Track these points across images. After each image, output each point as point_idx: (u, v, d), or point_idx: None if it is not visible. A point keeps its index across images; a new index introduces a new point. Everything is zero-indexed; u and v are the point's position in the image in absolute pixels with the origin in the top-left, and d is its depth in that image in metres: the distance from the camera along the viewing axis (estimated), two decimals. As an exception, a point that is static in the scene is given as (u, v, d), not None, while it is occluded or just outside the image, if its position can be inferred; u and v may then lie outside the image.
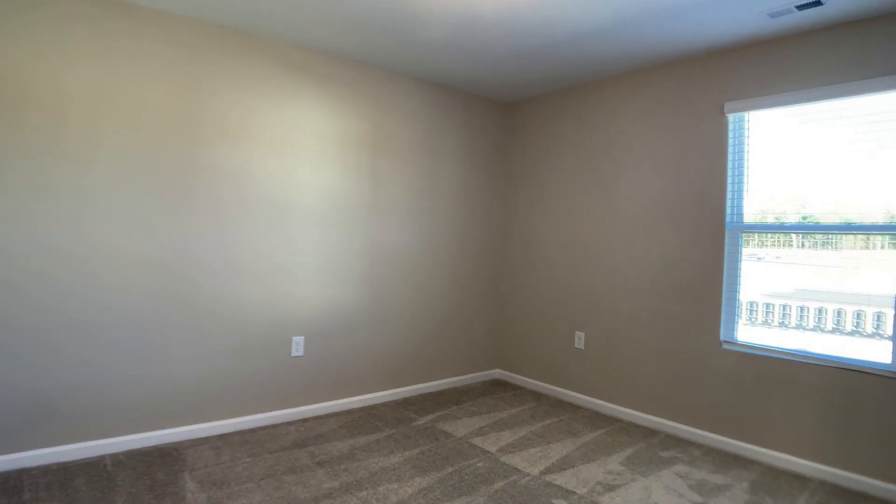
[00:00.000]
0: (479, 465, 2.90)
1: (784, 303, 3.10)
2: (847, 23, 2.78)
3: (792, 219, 3.04)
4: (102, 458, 2.79)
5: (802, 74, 2.93)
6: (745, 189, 3.20)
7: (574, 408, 3.94)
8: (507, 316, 4.69)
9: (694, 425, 3.35)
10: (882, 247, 2.77)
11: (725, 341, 3.24)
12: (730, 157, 3.24)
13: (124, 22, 2.83)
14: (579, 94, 4.11)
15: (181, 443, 3.04)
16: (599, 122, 3.96)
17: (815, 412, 2.86)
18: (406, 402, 3.95)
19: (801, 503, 2.57)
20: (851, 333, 2.85)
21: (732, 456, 3.10)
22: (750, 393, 3.11)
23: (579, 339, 4.05)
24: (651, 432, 3.47)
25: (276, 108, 3.37)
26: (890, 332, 2.71)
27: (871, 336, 2.78)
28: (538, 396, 4.21)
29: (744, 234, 3.20)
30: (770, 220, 3.12)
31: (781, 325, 3.09)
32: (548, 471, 2.84)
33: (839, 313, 2.90)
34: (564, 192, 4.20)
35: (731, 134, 3.24)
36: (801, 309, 3.04)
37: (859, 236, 2.82)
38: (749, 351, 3.12)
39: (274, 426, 3.37)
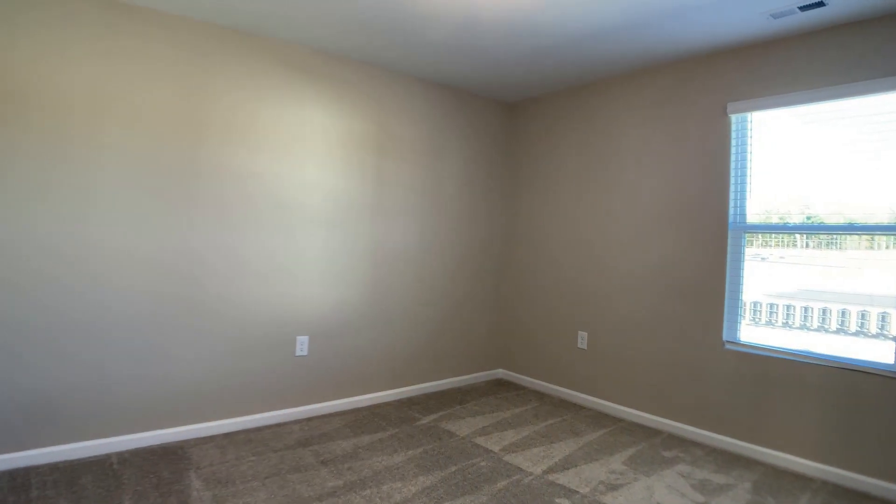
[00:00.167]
0: (483, 464, 2.91)
1: (788, 303, 3.10)
2: (850, 23, 2.78)
3: (796, 219, 3.04)
4: (109, 456, 2.82)
5: (805, 75, 2.94)
6: (747, 189, 3.21)
7: (577, 408, 3.95)
8: (511, 316, 4.70)
9: (696, 425, 3.35)
10: (887, 247, 2.77)
11: (728, 341, 3.24)
12: (733, 157, 3.24)
13: (129, 23, 2.86)
14: (582, 95, 4.12)
15: (186, 441, 3.06)
16: (602, 122, 3.97)
17: (818, 412, 2.86)
18: (410, 402, 3.97)
19: (803, 503, 2.57)
20: (856, 334, 2.84)
21: (735, 456, 3.11)
22: (752, 393, 3.11)
23: (582, 339, 4.05)
24: (653, 432, 3.48)
25: (281, 108, 3.39)
26: (894, 332, 2.72)
27: (876, 336, 2.78)
28: (541, 396, 4.22)
29: (747, 235, 3.21)
30: (773, 220, 3.12)
31: (785, 325, 3.09)
32: (551, 470, 2.85)
33: (843, 314, 2.90)
34: (568, 192, 4.21)
35: (733, 134, 3.24)
36: (806, 309, 3.04)
37: (864, 237, 2.82)
38: (751, 351, 3.13)
39: (278, 425, 3.39)
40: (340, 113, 3.65)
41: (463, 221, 4.44)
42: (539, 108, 4.48)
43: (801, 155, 3.01)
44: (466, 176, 4.44)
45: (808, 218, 3.00)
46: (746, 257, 3.22)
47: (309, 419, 3.52)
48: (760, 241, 3.19)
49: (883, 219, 2.73)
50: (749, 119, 3.20)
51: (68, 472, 2.62)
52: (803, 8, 2.65)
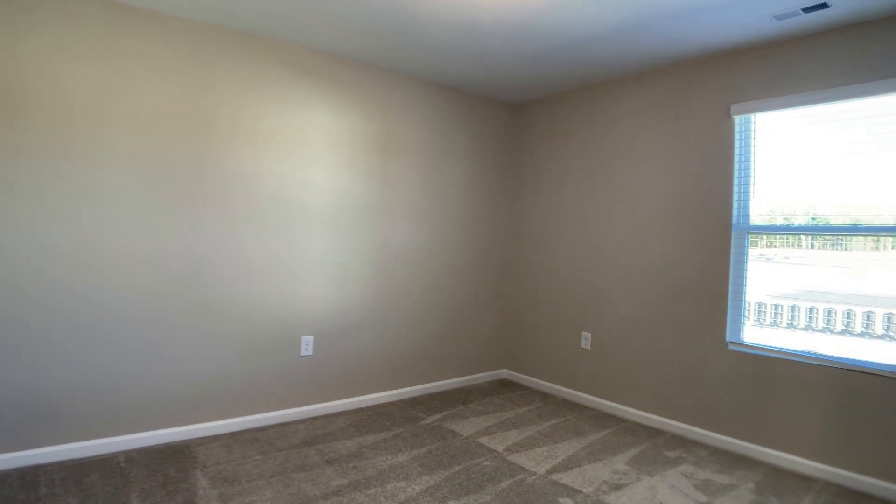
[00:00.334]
0: (486, 463, 2.93)
1: (793, 304, 3.09)
2: (854, 24, 2.79)
3: (800, 220, 3.04)
4: (116, 454, 2.85)
5: (809, 76, 2.94)
6: (751, 190, 3.21)
7: (580, 408, 3.96)
8: (515, 316, 4.71)
9: (699, 426, 3.36)
10: (892, 247, 2.77)
11: (731, 342, 3.25)
12: (736, 158, 3.25)
13: (133, 25, 2.88)
14: (586, 96, 4.13)
15: (192, 440, 3.09)
16: (606, 123, 3.98)
17: (822, 413, 2.87)
18: (414, 402, 3.99)
19: (806, 503, 2.58)
20: (861, 335, 2.84)
21: (738, 456, 3.12)
22: (756, 393, 3.12)
23: (586, 339, 4.07)
24: (657, 432, 3.48)
25: (286, 109, 3.41)
26: (897, 333, 2.72)
27: (881, 337, 2.77)
28: (545, 396, 4.23)
29: (750, 236, 3.21)
30: (778, 221, 3.13)
31: (790, 325, 3.09)
32: (554, 470, 2.87)
33: (849, 314, 2.90)
34: (572, 192, 4.22)
35: (737, 136, 3.25)
36: (811, 310, 3.03)
37: (869, 237, 2.82)
38: (755, 352, 3.13)
39: (283, 424, 3.41)
40: (345, 114, 3.68)
41: (467, 222, 4.45)
42: (543, 109, 4.49)
43: (806, 156, 3.01)
44: (470, 177, 4.46)
45: (814, 219, 3.00)
46: (751, 258, 3.22)
47: (314, 419, 3.54)
48: (765, 242, 3.19)
49: (889, 220, 2.73)
50: (752, 120, 3.20)
51: (76, 470, 2.65)
52: (807, 9, 2.66)
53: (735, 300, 3.26)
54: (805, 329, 3.04)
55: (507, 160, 4.74)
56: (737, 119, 3.24)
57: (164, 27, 2.97)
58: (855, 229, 2.84)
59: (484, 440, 3.26)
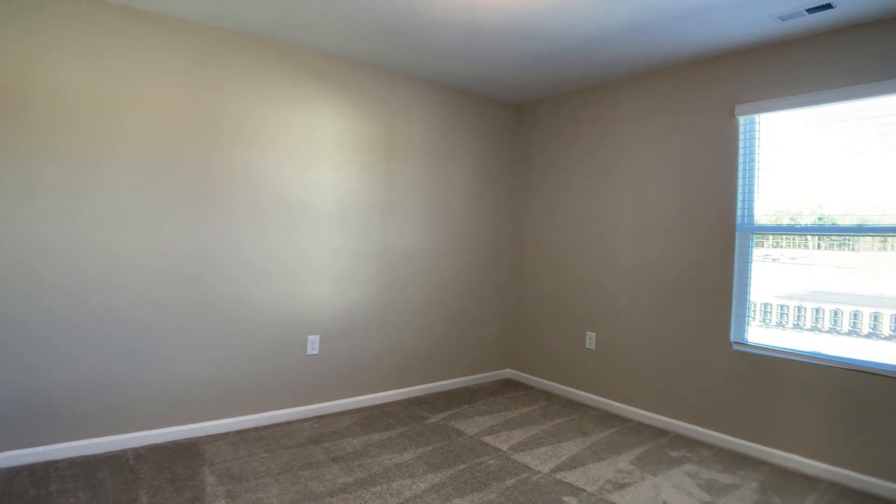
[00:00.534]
0: (491, 462, 2.95)
1: (799, 304, 3.09)
2: (858, 25, 2.79)
3: (806, 220, 3.05)
4: (125, 451, 2.89)
5: (813, 77, 2.95)
6: (755, 191, 3.22)
7: (585, 407, 3.97)
8: (519, 316, 4.73)
9: (703, 425, 3.37)
10: (900, 248, 2.77)
11: (736, 342, 3.26)
12: (740, 159, 3.26)
13: (143, 29, 2.92)
14: (590, 96, 4.15)
15: (200, 438, 3.12)
16: (610, 123, 3.99)
17: (826, 413, 2.87)
18: (419, 401, 4.01)
19: (809, 503, 2.59)
20: (868, 336, 2.83)
21: (742, 456, 3.12)
22: (760, 394, 3.12)
23: (590, 339, 4.08)
24: (661, 432, 3.49)
25: (291, 111, 3.44)
26: (903, 333, 2.72)
27: (889, 339, 2.77)
28: (549, 396, 4.24)
29: (755, 236, 3.22)
30: (783, 221, 3.13)
31: (797, 326, 3.09)
32: (558, 469, 2.88)
33: (856, 315, 2.89)
34: (576, 192, 4.24)
35: (741, 136, 3.25)
36: (817, 311, 3.03)
37: (876, 238, 2.82)
38: (759, 352, 3.14)
39: (290, 423, 3.44)
40: (350, 114, 3.71)
41: (472, 222, 4.47)
42: (547, 110, 4.51)
43: (811, 156, 3.01)
44: (475, 177, 4.48)
45: (821, 219, 3.00)
46: (757, 258, 3.23)
47: (320, 417, 3.57)
48: (771, 242, 3.19)
49: (895, 220, 2.72)
50: (757, 121, 3.21)
51: (86, 466, 2.68)
52: (811, 10, 2.66)
53: (739, 300, 3.26)
54: (811, 330, 3.04)
55: (511, 160, 4.76)
56: (741, 120, 3.25)
57: (172, 29, 3.00)
58: (860, 230, 2.84)
59: (489, 439, 3.28)
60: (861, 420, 2.75)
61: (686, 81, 3.53)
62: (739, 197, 3.26)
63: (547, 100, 4.51)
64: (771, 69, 3.12)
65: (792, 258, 3.13)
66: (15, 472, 2.57)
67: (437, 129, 4.20)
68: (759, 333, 3.22)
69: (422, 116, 4.10)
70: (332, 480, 2.65)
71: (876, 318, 2.82)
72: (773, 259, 3.19)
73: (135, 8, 2.89)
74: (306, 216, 3.52)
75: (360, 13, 2.90)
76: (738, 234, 3.26)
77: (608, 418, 3.74)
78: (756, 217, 3.22)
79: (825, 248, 3.02)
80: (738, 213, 3.26)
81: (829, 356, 2.90)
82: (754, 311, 3.24)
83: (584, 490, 2.64)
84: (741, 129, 3.26)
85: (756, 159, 3.22)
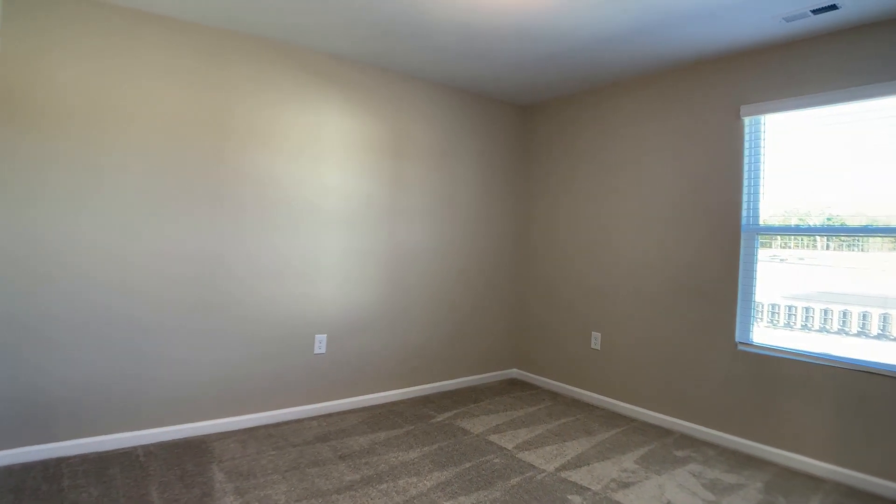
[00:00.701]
0: (496, 461, 2.97)
1: (807, 305, 3.08)
2: (863, 26, 2.79)
3: (813, 220, 3.04)
4: (135, 448, 2.93)
5: (819, 78, 2.95)
6: (760, 192, 3.22)
7: (590, 407, 3.99)
8: (525, 316, 4.75)
9: (709, 425, 3.38)
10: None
11: (741, 342, 3.26)
12: (746, 160, 3.26)
13: (153, 32, 2.97)
14: (596, 97, 4.16)
15: (208, 436, 3.16)
16: (616, 123, 4.01)
17: (832, 414, 2.88)
18: (425, 400, 4.04)
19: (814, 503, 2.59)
20: (878, 337, 2.83)
21: (747, 456, 3.13)
22: (765, 394, 3.13)
23: (595, 339, 4.09)
24: (666, 432, 3.50)
25: (300, 113, 3.48)
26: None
27: (897, 340, 2.77)
28: (554, 396, 4.26)
29: (762, 236, 3.22)
30: (791, 221, 3.13)
31: (804, 327, 3.09)
32: (563, 468, 2.90)
33: (864, 316, 2.88)
34: (581, 193, 4.25)
35: (747, 137, 3.26)
36: (826, 312, 3.02)
37: (886, 239, 2.81)
38: (764, 352, 3.14)
39: (297, 421, 3.48)
40: (357, 116, 3.74)
41: (478, 223, 4.50)
42: (553, 111, 4.52)
43: (818, 156, 3.01)
44: (482, 177, 4.50)
45: (829, 219, 2.99)
46: (764, 259, 3.22)
47: (327, 415, 3.61)
48: (780, 243, 3.19)
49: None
50: (762, 122, 3.21)
51: (97, 462, 2.73)
52: (816, 11, 2.67)
53: (744, 301, 3.27)
54: (820, 331, 3.03)
55: (517, 161, 4.78)
56: (746, 120, 3.26)
57: (181, 32, 3.05)
58: (866, 230, 2.84)
59: (494, 438, 3.30)
60: (867, 421, 2.75)
61: (691, 82, 3.54)
62: (745, 198, 3.27)
63: (553, 101, 4.53)
64: (776, 70, 3.12)
65: (800, 258, 3.13)
66: (28, 468, 2.61)
67: (443, 130, 4.22)
68: (768, 334, 3.21)
69: (428, 117, 4.13)
70: (339, 478, 2.68)
71: (885, 319, 2.81)
72: (782, 259, 3.18)
73: (141, 10, 2.93)
74: (314, 217, 3.56)
75: (369, 17, 2.93)
76: (743, 235, 3.27)
77: (613, 418, 3.76)
78: (761, 218, 3.22)
79: (834, 249, 3.01)
80: (744, 213, 3.27)
81: (834, 356, 2.90)
82: (762, 311, 3.24)
83: (589, 489, 2.66)
84: (746, 129, 3.26)
85: (761, 160, 3.22)
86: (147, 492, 2.45)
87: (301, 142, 3.49)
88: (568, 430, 3.49)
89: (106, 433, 2.91)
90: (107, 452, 2.86)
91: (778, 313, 3.20)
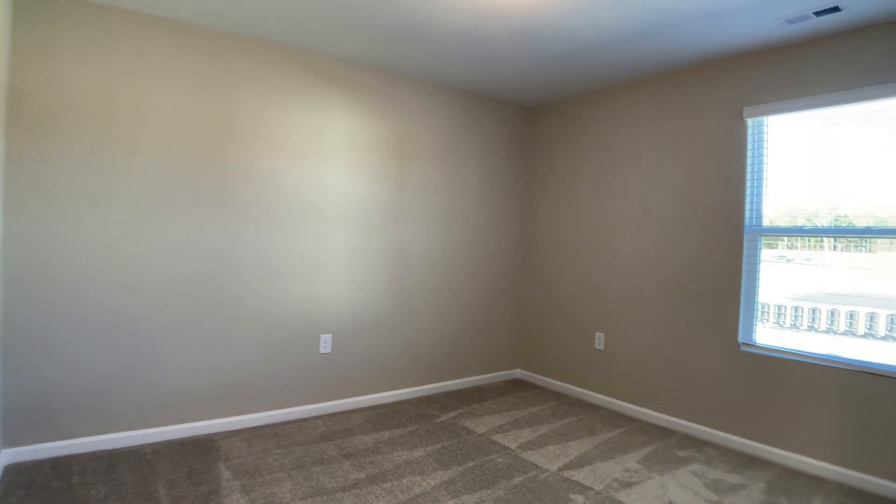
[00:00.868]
0: (500, 460, 2.99)
1: (814, 306, 3.08)
2: (866, 27, 2.80)
3: (820, 222, 3.04)
4: (143, 447, 2.97)
5: (822, 79, 2.96)
6: (763, 193, 3.23)
7: (593, 407, 4.00)
8: (529, 317, 4.77)
9: (711, 426, 3.39)
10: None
11: (744, 343, 3.27)
12: (749, 161, 3.27)
13: (162, 35, 3.01)
14: (599, 98, 4.18)
15: (215, 434, 3.20)
16: (619, 125, 4.02)
17: (835, 414, 2.88)
18: (429, 400, 4.06)
19: None
20: (885, 338, 2.81)
21: (749, 457, 3.14)
22: (768, 394, 3.14)
23: (599, 340, 4.11)
24: (669, 432, 3.52)
25: (305, 114, 3.51)
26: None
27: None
28: (558, 396, 4.28)
29: (767, 238, 3.23)
30: (797, 222, 3.13)
31: (811, 328, 3.08)
32: (566, 467, 2.92)
33: (872, 317, 2.86)
34: (585, 194, 4.27)
35: (750, 138, 3.27)
36: (832, 313, 3.01)
37: (895, 240, 2.80)
38: (767, 353, 3.15)
39: (302, 420, 3.51)
40: (363, 119, 3.77)
41: (482, 223, 4.52)
42: (557, 112, 4.54)
43: (822, 157, 3.02)
44: (485, 179, 4.53)
45: (836, 219, 2.98)
46: (771, 259, 3.23)
47: (332, 415, 3.64)
48: (786, 244, 3.19)
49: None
50: (765, 123, 3.22)
51: (106, 460, 2.77)
52: (818, 13, 2.68)
53: (747, 302, 3.28)
54: (826, 332, 3.02)
55: (521, 162, 4.80)
56: (749, 122, 3.27)
57: (187, 34, 3.09)
58: (869, 231, 2.84)
59: (497, 437, 3.33)
60: (870, 422, 2.76)
61: (694, 84, 3.55)
62: (747, 199, 3.28)
63: (556, 102, 4.55)
64: (779, 72, 3.13)
65: (807, 259, 3.12)
66: (38, 465, 2.66)
67: (448, 132, 4.25)
68: (774, 335, 3.21)
69: (433, 119, 4.15)
70: (343, 476, 2.71)
71: (893, 320, 2.80)
72: (788, 260, 3.18)
73: (150, 14, 2.97)
74: (320, 218, 3.59)
75: (373, 20, 2.96)
76: (745, 236, 3.28)
77: (617, 418, 3.77)
78: (764, 219, 3.23)
79: (842, 250, 3.00)
80: (747, 214, 3.28)
81: (837, 357, 2.91)
82: (769, 312, 3.24)
83: (591, 488, 2.68)
84: (749, 131, 3.27)
85: (764, 161, 3.23)
86: (155, 489, 2.49)
87: (307, 144, 3.52)
88: (571, 430, 3.51)
89: (114, 431, 2.95)
90: (115, 450, 2.90)
91: (784, 314, 3.19)
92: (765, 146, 3.23)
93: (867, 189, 2.86)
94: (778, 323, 3.21)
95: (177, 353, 3.11)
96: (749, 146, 3.27)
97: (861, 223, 2.89)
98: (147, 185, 2.99)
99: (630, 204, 3.93)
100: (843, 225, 2.97)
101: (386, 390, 3.99)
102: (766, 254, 3.25)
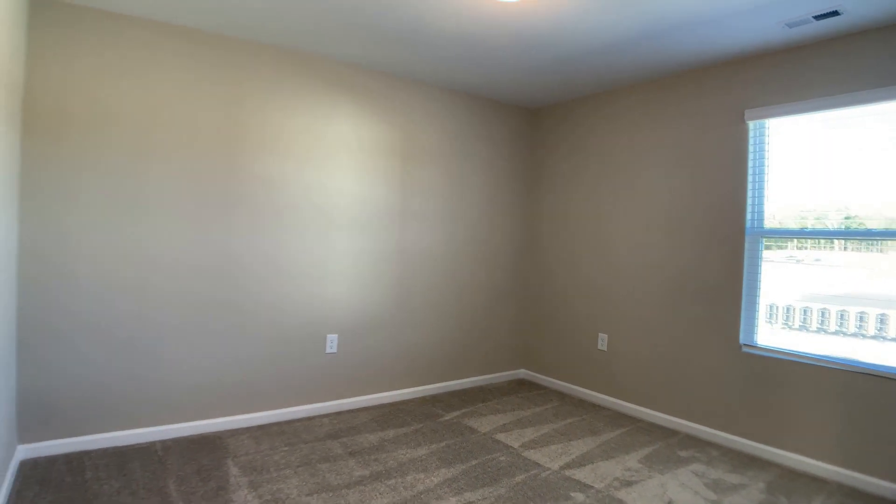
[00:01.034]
0: (502, 458, 3.03)
1: (823, 307, 3.08)
2: (865, 31, 2.82)
3: (829, 223, 3.06)
4: (153, 444, 3.04)
5: (822, 82, 2.98)
6: (765, 195, 3.26)
7: (596, 407, 4.04)
8: (533, 317, 4.80)
9: (713, 426, 3.41)
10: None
11: (745, 344, 3.30)
12: (750, 163, 3.30)
13: (174, 43, 3.07)
14: (603, 100, 4.21)
15: (223, 432, 3.26)
16: (622, 127, 4.05)
17: (835, 415, 2.90)
18: (433, 399, 4.11)
19: None
20: (894, 340, 2.81)
21: (750, 457, 3.16)
22: (769, 395, 3.16)
23: (602, 340, 4.14)
24: (670, 432, 3.55)
25: (311, 118, 3.57)
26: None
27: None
28: (561, 396, 4.31)
29: (768, 239, 3.25)
30: (805, 224, 3.15)
31: (820, 330, 3.08)
32: (568, 466, 2.96)
33: (882, 319, 2.86)
34: (588, 196, 4.30)
35: (751, 141, 3.29)
36: (842, 314, 3.01)
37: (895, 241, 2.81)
38: (768, 354, 3.17)
39: (309, 418, 3.57)
40: (368, 121, 3.83)
41: (486, 224, 4.56)
42: (560, 114, 4.58)
43: (823, 159, 3.04)
44: (489, 181, 4.57)
45: (848, 217, 2.97)
46: (779, 260, 3.24)
47: (338, 413, 3.70)
48: (795, 245, 3.19)
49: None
50: (766, 125, 3.25)
51: (118, 456, 2.84)
52: (818, 17, 2.70)
53: (749, 303, 3.30)
54: (835, 333, 3.01)
55: (524, 164, 4.84)
56: (751, 124, 3.29)
57: (200, 42, 3.15)
58: (870, 233, 2.86)
59: (500, 436, 3.37)
60: (870, 422, 2.78)
61: (696, 87, 3.58)
62: (749, 201, 3.30)
63: (560, 104, 4.58)
64: (780, 75, 3.15)
65: (817, 259, 3.12)
66: (52, 461, 2.73)
67: (452, 134, 4.30)
68: (783, 336, 3.20)
69: (437, 121, 4.20)
70: (348, 473, 2.77)
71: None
72: (798, 261, 3.18)
73: (160, 21, 3.04)
74: (326, 220, 3.65)
75: (379, 25, 3.02)
76: (747, 238, 3.30)
77: (619, 418, 3.80)
78: (766, 220, 3.26)
79: (851, 251, 3.00)
80: (748, 216, 3.30)
81: (838, 359, 2.92)
82: (776, 313, 3.24)
83: (592, 487, 2.72)
84: (751, 133, 3.30)
85: (766, 164, 3.25)
86: (165, 485, 2.55)
87: (315, 146, 3.58)
88: (573, 429, 3.55)
89: (126, 428, 3.02)
90: (127, 447, 2.97)
91: (792, 315, 3.20)
92: (766, 148, 3.25)
93: (871, 190, 2.87)
94: (787, 324, 3.22)
95: (187, 352, 3.18)
96: (751, 148, 3.30)
97: (870, 225, 2.90)
98: (159, 189, 3.06)
99: (633, 205, 3.96)
100: (850, 226, 2.97)
101: (391, 389, 4.04)
102: (775, 254, 3.26)
